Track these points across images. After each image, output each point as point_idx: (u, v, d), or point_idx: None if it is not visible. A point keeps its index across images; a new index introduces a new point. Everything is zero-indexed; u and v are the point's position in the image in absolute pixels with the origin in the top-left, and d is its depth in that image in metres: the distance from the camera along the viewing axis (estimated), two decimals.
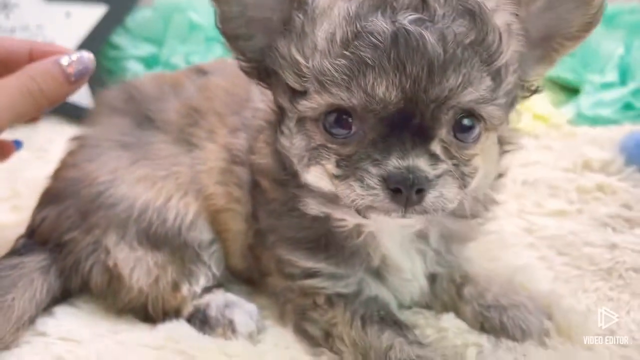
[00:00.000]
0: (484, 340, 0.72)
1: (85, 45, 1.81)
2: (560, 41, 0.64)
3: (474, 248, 0.84)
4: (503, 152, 0.71)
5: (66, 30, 1.81)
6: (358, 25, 0.55)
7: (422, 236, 0.72)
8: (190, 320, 0.78)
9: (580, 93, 1.67)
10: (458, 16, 0.55)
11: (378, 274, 0.73)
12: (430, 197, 0.56)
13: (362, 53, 0.54)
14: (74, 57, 0.71)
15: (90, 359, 0.70)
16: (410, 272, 0.74)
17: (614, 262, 0.93)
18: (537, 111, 1.65)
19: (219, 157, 0.80)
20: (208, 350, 0.71)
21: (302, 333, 0.75)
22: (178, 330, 0.75)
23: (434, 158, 0.56)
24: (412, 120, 0.55)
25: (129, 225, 0.78)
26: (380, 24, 0.54)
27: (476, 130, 0.59)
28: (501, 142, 0.69)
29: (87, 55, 0.72)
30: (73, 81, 0.71)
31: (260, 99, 0.76)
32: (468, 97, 0.55)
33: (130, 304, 0.79)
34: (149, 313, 0.79)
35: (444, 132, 0.58)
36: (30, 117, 0.74)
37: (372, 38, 0.54)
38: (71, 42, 1.79)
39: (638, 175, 1.22)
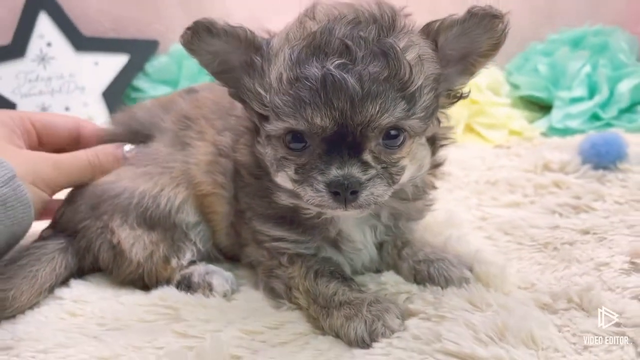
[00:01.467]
0: (414, 288, 0.85)
1: (111, 88, 2.08)
2: (475, 58, 0.78)
3: (422, 225, 0.99)
4: (440, 146, 0.86)
5: (95, 76, 2.07)
6: (297, 70, 0.70)
7: (374, 215, 0.88)
8: (177, 286, 0.93)
9: (553, 109, 1.82)
10: (374, 58, 0.69)
11: (334, 243, 0.88)
12: (363, 195, 0.71)
13: (301, 93, 0.69)
14: (131, 147, 1.03)
15: (95, 313, 0.87)
16: (361, 243, 0.89)
17: (552, 239, 1.04)
18: (512, 127, 1.80)
19: (207, 151, 0.97)
20: (189, 304, 0.86)
21: (269, 291, 0.89)
22: (167, 292, 0.90)
23: (365, 165, 0.72)
24: (346, 138, 0.71)
25: (129, 210, 0.95)
26: (313, 70, 0.69)
27: (400, 138, 0.74)
28: (436, 139, 0.85)
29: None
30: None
31: (242, 109, 0.91)
32: (386, 120, 0.70)
33: (130, 275, 0.95)
34: (145, 283, 0.95)
35: (372, 144, 0.73)
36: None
37: (307, 82, 0.69)
38: (99, 86, 2.06)
39: (592, 172, 1.34)
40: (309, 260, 0.86)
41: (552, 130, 1.74)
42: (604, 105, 1.73)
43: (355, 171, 0.71)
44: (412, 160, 0.78)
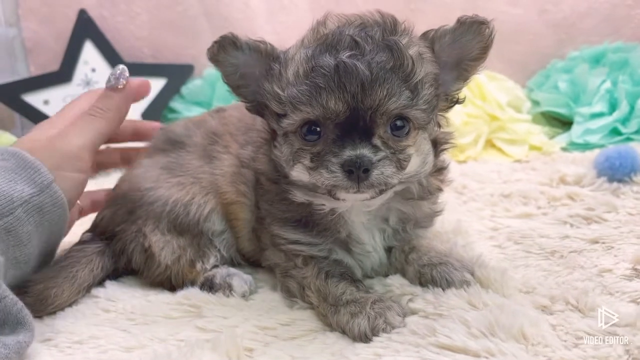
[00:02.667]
0: (418, 290, 0.90)
1: (149, 110, 2.21)
2: (467, 63, 0.87)
3: (431, 233, 1.05)
4: (441, 150, 0.93)
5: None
6: (313, 62, 0.80)
7: (383, 219, 0.94)
8: (201, 287, 1.00)
9: (573, 125, 1.84)
10: (380, 50, 0.79)
11: (345, 245, 0.95)
12: (374, 174, 0.78)
13: (316, 80, 0.78)
14: (111, 74, 1.05)
15: (126, 309, 0.95)
16: (371, 245, 0.95)
17: (561, 247, 1.07)
18: (532, 143, 1.83)
19: (232, 163, 1.06)
20: (211, 302, 0.94)
21: (285, 290, 0.96)
22: (191, 292, 0.98)
23: (375, 148, 0.79)
24: (357, 124, 0.79)
25: (162, 217, 1.03)
26: (327, 60, 0.79)
27: (406, 128, 0.82)
28: (437, 142, 0.92)
29: (121, 67, 1.06)
30: (119, 88, 1.04)
31: (261, 125, 1.00)
32: (393, 105, 0.79)
33: (158, 277, 1.04)
34: (172, 284, 1.03)
35: (381, 131, 0.81)
36: (112, 132, 1.05)
37: (321, 70, 0.78)
38: (139, 108, 2.19)
39: (607, 185, 1.36)
40: (321, 263, 0.93)
41: (573, 145, 1.76)
42: (624, 120, 1.74)
43: (366, 152, 0.78)
44: (417, 151, 0.85)
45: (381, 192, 0.81)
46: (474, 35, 0.83)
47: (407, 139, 0.83)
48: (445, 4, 2.17)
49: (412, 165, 0.85)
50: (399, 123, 0.81)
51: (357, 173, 0.77)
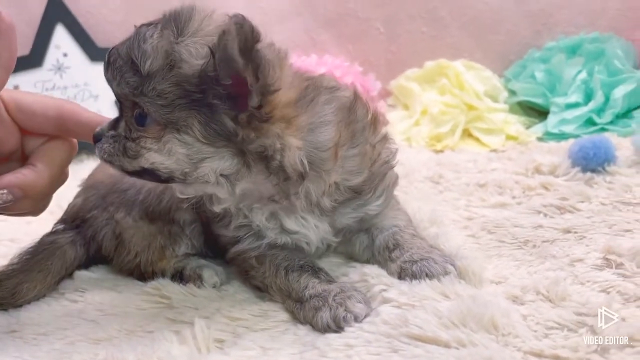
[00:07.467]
0: (395, 282, 0.88)
1: None
2: None
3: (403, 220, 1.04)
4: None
5: (108, 85, 2.16)
6: None
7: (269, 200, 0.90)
8: (172, 279, 0.99)
9: (549, 115, 1.85)
10: None
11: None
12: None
13: None
14: None
15: (95, 300, 0.94)
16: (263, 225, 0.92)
17: (534, 237, 1.07)
18: (509, 132, 1.84)
19: None
20: (181, 293, 0.92)
21: (253, 288, 0.95)
22: (162, 283, 0.96)
23: None
24: None
25: (135, 204, 1.02)
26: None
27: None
28: None
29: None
30: None
31: None
32: None
33: (128, 265, 1.02)
34: (141, 272, 1.01)
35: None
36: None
37: None
38: (112, 95, 2.14)
39: (580, 175, 1.37)
40: (276, 258, 0.92)
41: (548, 135, 1.78)
42: (599, 110, 1.76)
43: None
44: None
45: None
46: None
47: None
48: None
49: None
50: None
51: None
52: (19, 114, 0.85)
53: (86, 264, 1.07)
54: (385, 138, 0.99)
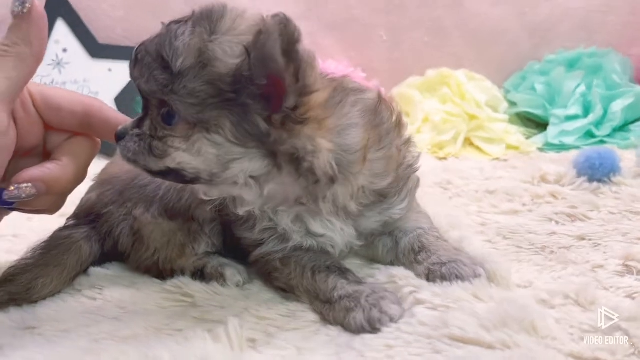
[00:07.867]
0: (424, 284, 0.87)
1: (123, 94, 2.13)
2: None
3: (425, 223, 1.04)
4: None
5: (108, 82, 2.12)
6: None
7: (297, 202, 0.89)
8: (192, 277, 0.96)
9: (549, 126, 1.88)
10: None
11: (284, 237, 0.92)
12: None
13: None
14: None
15: (114, 297, 0.90)
16: (288, 228, 0.91)
17: (550, 243, 1.08)
18: (509, 142, 1.87)
19: None
20: (203, 291, 0.90)
21: (276, 289, 0.92)
22: (182, 280, 0.94)
23: None
24: None
25: (154, 201, 0.99)
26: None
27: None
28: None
29: None
30: (25, 14, 0.75)
31: None
32: None
33: (146, 262, 0.99)
34: (159, 269, 0.99)
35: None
36: (30, 72, 0.78)
37: None
38: (112, 92, 2.11)
39: (587, 185, 1.40)
40: (302, 259, 0.90)
41: (548, 146, 1.81)
42: (598, 123, 1.80)
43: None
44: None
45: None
46: None
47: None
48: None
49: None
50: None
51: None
52: (45, 108, 0.83)
53: (100, 261, 1.04)
54: (409, 141, 0.99)
